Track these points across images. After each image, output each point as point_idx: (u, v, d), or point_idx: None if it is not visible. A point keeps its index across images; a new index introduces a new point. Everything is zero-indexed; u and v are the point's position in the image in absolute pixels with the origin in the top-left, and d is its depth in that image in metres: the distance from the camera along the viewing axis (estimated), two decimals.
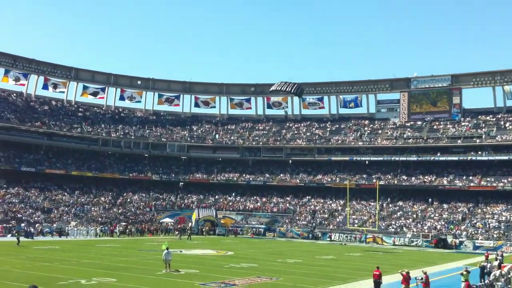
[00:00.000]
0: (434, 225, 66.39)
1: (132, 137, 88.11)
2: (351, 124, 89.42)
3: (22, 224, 57.74)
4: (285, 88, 53.23)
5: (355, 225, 67.34)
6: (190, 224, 70.99)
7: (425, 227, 66.02)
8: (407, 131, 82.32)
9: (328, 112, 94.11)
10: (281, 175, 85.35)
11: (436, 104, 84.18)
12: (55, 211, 68.09)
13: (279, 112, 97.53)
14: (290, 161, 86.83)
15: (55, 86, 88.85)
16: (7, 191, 68.83)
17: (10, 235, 52.10)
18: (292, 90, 53.67)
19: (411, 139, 79.32)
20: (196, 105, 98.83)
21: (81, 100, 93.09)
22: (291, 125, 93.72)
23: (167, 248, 28.26)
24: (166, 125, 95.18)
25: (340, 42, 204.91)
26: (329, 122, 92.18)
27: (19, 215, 62.55)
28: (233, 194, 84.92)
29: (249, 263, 33.47)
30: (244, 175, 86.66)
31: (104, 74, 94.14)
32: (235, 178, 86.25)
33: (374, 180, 74.34)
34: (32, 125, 78.14)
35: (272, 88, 54.86)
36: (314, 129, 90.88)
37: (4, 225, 56.07)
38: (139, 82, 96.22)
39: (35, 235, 53.60)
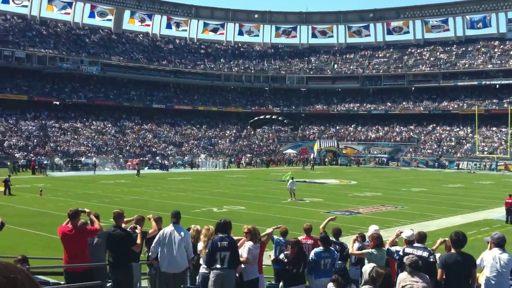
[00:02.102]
0: None
1: (252, 71, 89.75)
2: (479, 46, 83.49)
3: (157, 158, 62.32)
4: None
5: (485, 153, 64.24)
6: (312, 154, 72.04)
7: None
8: None
9: (453, 35, 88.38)
10: (404, 103, 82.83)
11: None
12: (186, 145, 72.42)
13: (400, 37, 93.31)
14: (413, 88, 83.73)
15: (177, 25, 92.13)
16: (142, 127, 74.15)
17: (146, 167, 56.46)
18: None
19: None
20: (313, 35, 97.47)
21: (202, 37, 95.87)
22: (413, 50, 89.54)
23: (291, 178, 29.17)
24: (285, 57, 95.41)
25: None
26: (454, 45, 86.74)
27: (153, 149, 67.42)
28: (354, 124, 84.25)
29: (373, 192, 33.60)
30: (364, 104, 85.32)
31: (222, 10, 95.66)
32: (355, 108, 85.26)
33: (506, 105, 69.56)
34: (159, 64, 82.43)
35: None
36: (438, 53, 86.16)
37: (141, 158, 60.81)
38: (256, 16, 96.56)
39: (170, 167, 57.54)
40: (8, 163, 48.28)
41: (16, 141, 59.86)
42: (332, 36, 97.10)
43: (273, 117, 46.14)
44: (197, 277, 8.92)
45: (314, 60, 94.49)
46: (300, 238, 9.01)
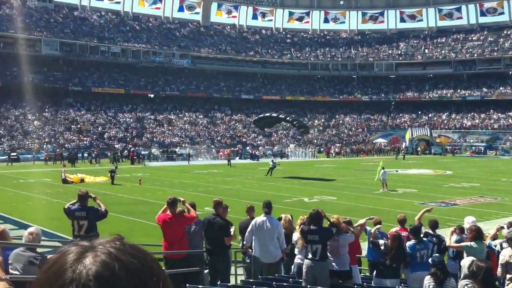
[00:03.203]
0: None
1: (339, 59, 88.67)
2: None
3: (247, 148, 63.37)
4: None
5: None
6: (404, 143, 70.18)
7: None
8: None
9: None
10: (501, 88, 78.38)
11: None
12: (275, 135, 73.03)
13: (494, 19, 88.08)
14: (510, 72, 78.92)
15: (263, 15, 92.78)
16: (232, 117, 75.64)
17: (238, 157, 57.56)
18: None
19: None
20: (402, 20, 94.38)
21: (288, 26, 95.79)
22: (509, 32, 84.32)
23: (382, 168, 28.65)
24: (372, 44, 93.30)
25: None
26: None
27: (243, 139, 68.60)
28: (448, 111, 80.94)
29: (470, 182, 32.21)
30: (458, 90, 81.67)
31: None
32: (448, 95, 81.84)
33: None
34: (246, 55, 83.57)
35: None
36: None
37: (232, 149, 62.05)
38: (341, 2, 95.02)
39: (260, 158, 58.29)
40: (109, 154, 51.22)
41: (115, 133, 63.23)
42: (421, 20, 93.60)
43: (280, 116, 42.23)
44: (292, 267, 9.07)
45: (403, 45, 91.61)
46: (393, 230, 8.90)
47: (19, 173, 37.92)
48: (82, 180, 31.02)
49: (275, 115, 43.75)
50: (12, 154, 50.39)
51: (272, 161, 34.17)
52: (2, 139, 55.46)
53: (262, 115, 44.86)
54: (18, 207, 21.24)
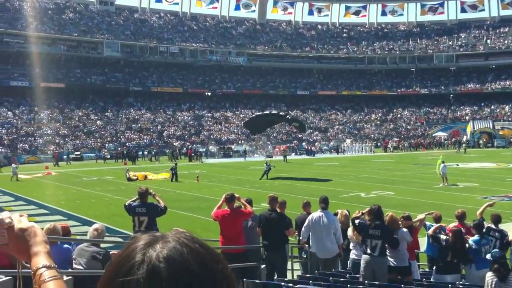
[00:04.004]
0: None
1: (397, 52, 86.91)
2: None
3: (303, 143, 63.26)
4: None
5: None
6: (465, 137, 68.06)
7: None
8: None
9: None
10: None
11: None
12: (331, 130, 72.52)
13: None
14: None
15: (319, 10, 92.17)
16: (287, 113, 75.56)
17: (293, 153, 57.55)
18: None
19: None
20: (463, 10, 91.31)
21: (344, 21, 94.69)
22: None
23: (442, 162, 27.94)
24: (431, 35, 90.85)
25: None
26: None
27: (299, 135, 68.50)
28: (511, 103, 77.76)
29: None
30: None
31: None
32: None
33: None
34: (302, 50, 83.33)
35: None
36: None
37: (288, 145, 62.16)
38: None
39: (315, 153, 58.06)
40: (167, 151, 52.44)
41: (173, 131, 64.60)
42: (483, 10, 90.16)
43: (273, 111, 39.01)
44: (348, 262, 9.05)
45: (464, 36, 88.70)
46: (451, 226, 8.71)
47: (82, 171, 39.42)
48: (145, 177, 31.94)
49: (267, 112, 40.59)
50: (75, 153, 52.49)
51: (266, 163, 32.81)
52: (66, 139, 57.76)
53: (253, 116, 41.75)
54: (81, 204, 22.11)
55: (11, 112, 60.32)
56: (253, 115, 40.64)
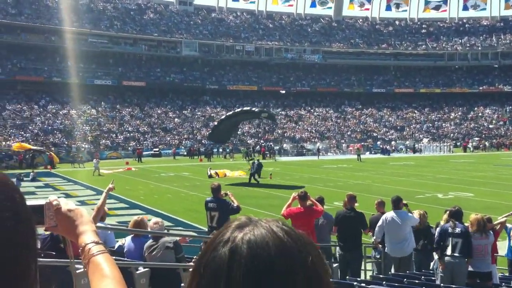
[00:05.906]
0: None
1: (479, 48, 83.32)
2: None
3: (378, 142, 62.13)
4: None
5: None
6: None
7: None
8: None
9: None
10: None
11: None
12: (407, 129, 70.75)
13: None
14: None
15: (397, 6, 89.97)
16: (362, 112, 74.57)
17: (368, 152, 56.66)
18: None
19: None
20: None
21: (424, 16, 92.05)
22: None
23: None
24: None
25: None
26: None
27: (374, 134, 67.36)
28: None
29: None
30: None
31: None
32: None
33: None
34: (379, 47, 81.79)
35: None
36: None
37: (362, 143, 61.24)
38: None
39: (391, 152, 56.87)
40: (242, 149, 53.21)
41: (248, 129, 65.39)
42: None
43: (245, 108, 34.84)
44: (432, 263, 8.91)
45: None
46: None
47: (160, 167, 40.79)
48: (225, 175, 32.26)
49: (229, 113, 36.29)
50: (154, 149, 54.38)
51: (253, 162, 30.77)
52: (146, 136, 59.92)
53: (214, 124, 37.87)
54: (159, 199, 22.94)
55: (94, 109, 63.27)
56: (215, 124, 37.17)
